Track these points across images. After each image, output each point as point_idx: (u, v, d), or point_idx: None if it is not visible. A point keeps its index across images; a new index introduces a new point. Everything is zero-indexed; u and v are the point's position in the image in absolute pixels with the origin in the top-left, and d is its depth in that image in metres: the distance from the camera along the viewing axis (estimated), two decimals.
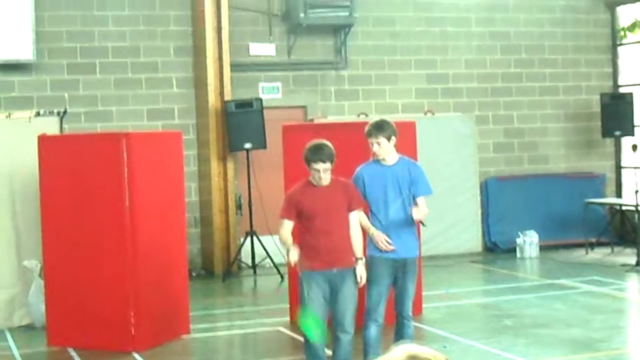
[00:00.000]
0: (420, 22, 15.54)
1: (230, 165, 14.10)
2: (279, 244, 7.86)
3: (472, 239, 15.27)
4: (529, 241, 14.73)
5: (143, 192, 9.25)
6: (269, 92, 14.67)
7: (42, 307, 9.88)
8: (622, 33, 16.49)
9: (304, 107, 14.93)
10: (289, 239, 7.17)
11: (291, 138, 10.14)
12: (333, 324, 7.32)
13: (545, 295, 11.52)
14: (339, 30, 14.99)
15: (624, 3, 16.36)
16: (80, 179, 9.30)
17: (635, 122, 15.52)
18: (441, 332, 9.59)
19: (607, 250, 14.98)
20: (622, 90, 16.38)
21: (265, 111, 13.75)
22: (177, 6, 14.24)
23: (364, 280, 7.33)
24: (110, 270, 9.16)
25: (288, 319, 10.23)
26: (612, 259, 14.29)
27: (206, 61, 13.87)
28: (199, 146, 14.26)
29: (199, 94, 14.18)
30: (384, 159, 7.52)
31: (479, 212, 15.45)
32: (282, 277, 12.92)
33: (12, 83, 13.39)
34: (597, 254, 14.73)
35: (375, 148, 7.47)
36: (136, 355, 9.02)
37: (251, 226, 13.58)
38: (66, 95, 13.62)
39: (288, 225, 7.21)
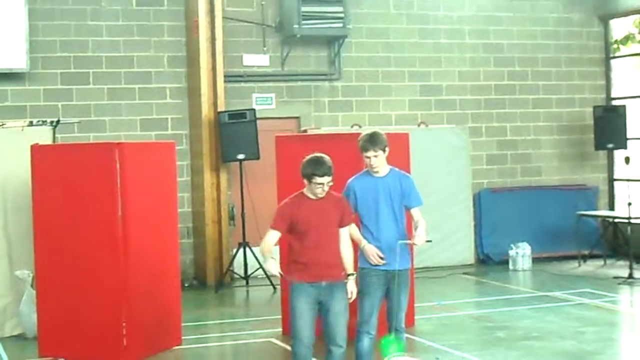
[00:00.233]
0: (414, 34, 15.57)
1: (223, 176, 14.09)
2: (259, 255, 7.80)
3: (464, 251, 15.28)
4: (522, 253, 14.75)
5: (136, 203, 9.22)
6: (263, 102, 14.68)
7: (34, 317, 9.85)
8: (615, 46, 16.55)
9: (297, 118, 14.95)
10: (271, 250, 7.14)
11: (284, 149, 10.14)
12: (325, 338, 7.29)
13: (538, 307, 11.53)
14: (333, 42, 15.01)
15: (617, 16, 16.43)
16: (72, 189, 9.27)
17: (628, 135, 15.55)
18: (433, 344, 9.57)
19: (600, 262, 14.99)
20: (615, 102, 16.42)
21: (258, 122, 13.75)
22: (171, 17, 14.25)
23: (354, 296, 7.31)
24: (103, 280, 9.13)
25: (280, 330, 10.22)
26: (605, 271, 14.30)
27: (200, 72, 13.87)
28: (192, 157, 14.25)
29: (193, 105, 14.18)
30: (377, 172, 7.53)
31: (472, 223, 15.46)
32: (274, 288, 12.90)
33: (5, 92, 13.38)
34: (590, 266, 14.75)
35: (373, 161, 7.47)
36: None
37: (244, 237, 13.56)
38: (59, 105, 13.61)
39: (274, 236, 7.15)
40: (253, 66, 14.71)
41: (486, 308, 11.81)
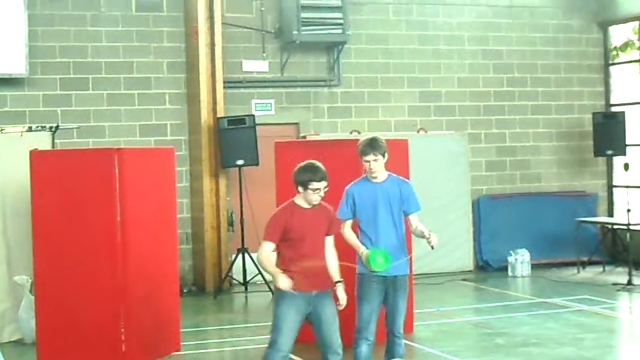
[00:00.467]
0: (413, 40, 15.59)
1: (222, 182, 14.09)
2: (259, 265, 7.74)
3: (463, 257, 15.27)
4: (521, 259, 14.74)
5: (135, 208, 9.22)
6: (262, 108, 14.68)
7: (33, 322, 9.83)
8: (614, 52, 16.57)
9: (296, 124, 14.95)
10: (274, 264, 7.08)
11: (284, 155, 10.15)
12: (321, 347, 7.23)
13: (537, 313, 11.52)
14: (332, 48, 15.02)
15: (616, 23, 16.44)
16: (71, 194, 9.26)
17: (627, 141, 15.55)
18: (432, 351, 9.57)
19: (599, 269, 14.98)
20: (614, 109, 16.43)
21: (257, 128, 13.76)
22: (170, 23, 14.26)
23: (345, 302, 7.24)
24: (101, 286, 9.12)
25: None
26: (604, 277, 14.30)
27: (199, 77, 13.88)
28: (191, 162, 14.26)
29: (192, 110, 14.18)
30: (375, 177, 7.54)
31: (471, 230, 15.45)
32: (273, 294, 12.86)
33: (5, 98, 13.38)
34: (589, 273, 14.74)
35: (372, 165, 7.47)
36: None
37: (243, 243, 13.56)
38: (59, 110, 13.62)
39: (269, 248, 7.07)
40: (252, 72, 14.72)
41: (485, 314, 11.80)
